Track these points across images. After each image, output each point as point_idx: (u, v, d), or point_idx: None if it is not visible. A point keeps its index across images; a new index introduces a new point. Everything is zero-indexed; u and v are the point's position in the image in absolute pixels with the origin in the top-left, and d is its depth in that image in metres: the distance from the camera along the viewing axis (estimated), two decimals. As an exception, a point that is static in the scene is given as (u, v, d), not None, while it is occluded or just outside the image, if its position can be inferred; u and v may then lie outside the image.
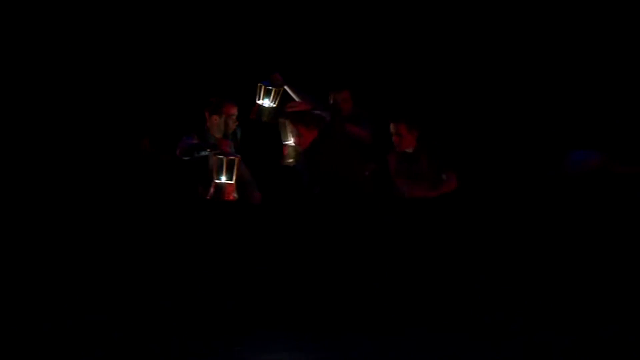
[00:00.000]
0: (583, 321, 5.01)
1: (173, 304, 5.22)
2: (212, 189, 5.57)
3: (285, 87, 6.12)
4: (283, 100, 6.14)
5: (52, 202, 6.27)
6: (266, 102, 5.96)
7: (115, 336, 4.67)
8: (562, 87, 7.07)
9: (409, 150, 6.05)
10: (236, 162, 5.58)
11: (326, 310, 5.17)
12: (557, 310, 5.20)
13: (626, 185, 6.03)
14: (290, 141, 5.95)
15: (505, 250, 6.46)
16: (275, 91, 5.99)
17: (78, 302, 5.16)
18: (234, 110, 5.98)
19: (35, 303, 5.21)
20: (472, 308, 5.24)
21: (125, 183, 6.48)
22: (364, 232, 5.51)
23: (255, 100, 5.98)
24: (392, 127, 6.03)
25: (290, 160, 6.02)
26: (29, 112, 7.06)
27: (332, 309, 5.18)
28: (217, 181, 5.54)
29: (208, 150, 5.68)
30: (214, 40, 7.36)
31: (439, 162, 6.02)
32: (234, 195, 5.58)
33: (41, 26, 7.14)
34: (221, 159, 5.55)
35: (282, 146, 6.05)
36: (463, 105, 7.19)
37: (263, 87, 5.96)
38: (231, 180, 5.55)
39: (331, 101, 6.41)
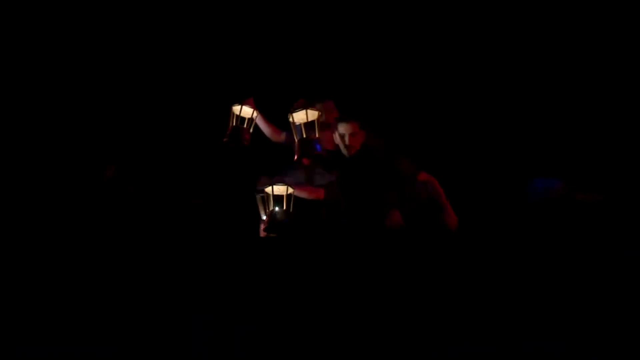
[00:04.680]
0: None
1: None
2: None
3: (257, 115, 6.08)
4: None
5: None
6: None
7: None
8: (524, 115, 7.15)
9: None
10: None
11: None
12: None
13: (589, 213, 6.12)
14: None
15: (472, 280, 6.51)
16: (249, 117, 5.98)
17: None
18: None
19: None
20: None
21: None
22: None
23: (229, 123, 5.96)
24: (343, 128, 5.51)
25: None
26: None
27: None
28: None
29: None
30: (188, 64, 7.32)
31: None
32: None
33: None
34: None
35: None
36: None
37: (237, 109, 5.94)
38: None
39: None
